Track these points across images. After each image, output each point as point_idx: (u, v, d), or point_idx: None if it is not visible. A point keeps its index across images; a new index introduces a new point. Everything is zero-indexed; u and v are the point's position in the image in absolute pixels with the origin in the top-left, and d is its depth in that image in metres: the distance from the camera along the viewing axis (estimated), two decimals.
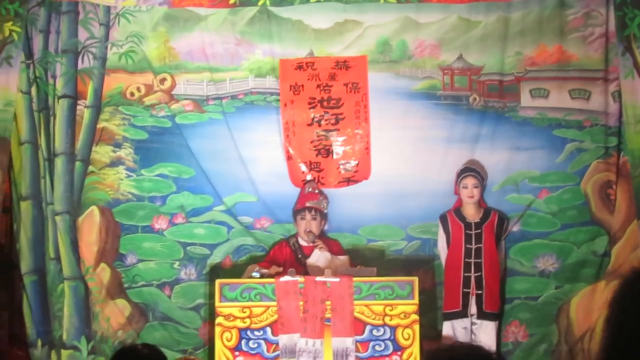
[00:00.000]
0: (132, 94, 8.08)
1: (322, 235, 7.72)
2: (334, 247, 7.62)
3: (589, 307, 7.72)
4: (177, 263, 7.97)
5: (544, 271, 7.88)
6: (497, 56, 8.06)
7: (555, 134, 8.02)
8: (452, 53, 8.09)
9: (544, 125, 8.03)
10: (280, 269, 7.28)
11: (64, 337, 7.77)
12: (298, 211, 7.66)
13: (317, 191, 7.73)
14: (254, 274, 7.15)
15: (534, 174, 7.98)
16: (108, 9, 8.03)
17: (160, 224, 8.01)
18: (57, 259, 7.83)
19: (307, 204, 7.62)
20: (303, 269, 7.32)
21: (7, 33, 7.71)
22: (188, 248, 7.98)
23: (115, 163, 8.03)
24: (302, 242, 7.62)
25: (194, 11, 8.04)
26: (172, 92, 8.09)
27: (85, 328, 7.82)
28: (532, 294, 7.85)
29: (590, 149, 7.97)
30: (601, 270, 7.78)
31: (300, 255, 7.55)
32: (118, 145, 8.04)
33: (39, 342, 7.76)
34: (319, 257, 7.45)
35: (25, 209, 7.86)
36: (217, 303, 7.00)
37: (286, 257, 7.55)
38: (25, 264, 7.82)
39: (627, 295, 2.13)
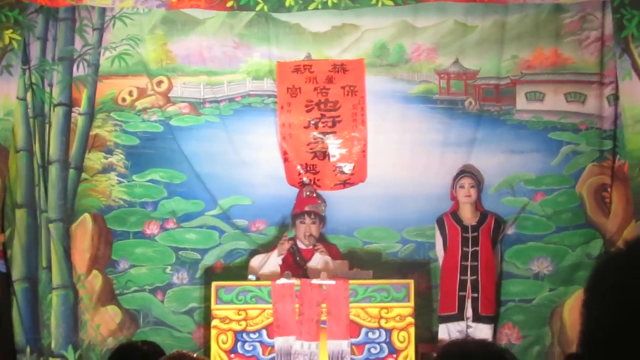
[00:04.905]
0: (123, 100, 8.07)
1: (321, 239, 7.75)
2: (332, 251, 7.64)
3: None
4: (169, 268, 7.98)
5: (538, 274, 7.90)
6: (493, 60, 8.09)
7: (551, 137, 8.04)
8: (449, 57, 8.11)
9: (539, 128, 8.06)
10: None
11: (52, 345, 7.76)
12: (297, 215, 7.68)
13: (315, 195, 7.74)
14: (250, 276, 7.19)
15: (529, 176, 8.01)
16: (103, 12, 8.00)
17: (152, 229, 8.02)
18: (49, 268, 7.82)
19: (306, 208, 7.64)
20: (300, 272, 7.34)
21: (7, 41, 7.59)
22: (180, 253, 8.00)
23: (107, 169, 8.03)
24: (301, 245, 7.63)
25: (192, 15, 8.01)
26: (169, 95, 8.10)
27: (72, 336, 7.81)
28: (526, 297, 7.87)
29: (585, 151, 7.99)
30: None
31: (298, 258, 7.56)
32: (110, 152, 8.04)
33: (28, 349, 7.75)
34: (319, 261, 7.48)
35: (20, 217, 7.82)
36: (212, 305, 7.03)
37: (285, 259, 7.56)
38: (17, 271, 7.77)
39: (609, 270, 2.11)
